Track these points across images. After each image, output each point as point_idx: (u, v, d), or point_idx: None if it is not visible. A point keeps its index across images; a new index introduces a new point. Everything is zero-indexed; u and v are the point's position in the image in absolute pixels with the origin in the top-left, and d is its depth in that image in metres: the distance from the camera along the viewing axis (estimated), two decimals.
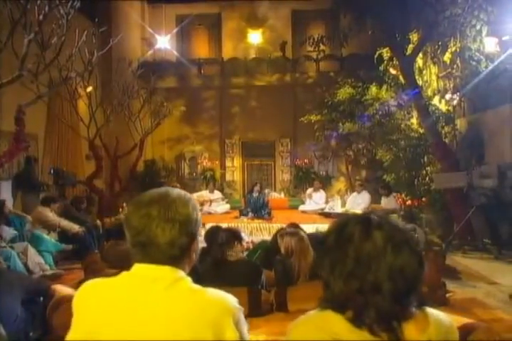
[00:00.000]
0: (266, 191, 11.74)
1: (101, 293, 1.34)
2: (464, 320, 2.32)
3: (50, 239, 7.10)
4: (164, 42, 14.05)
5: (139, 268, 1.34)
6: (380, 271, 1.17)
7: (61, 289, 3.15)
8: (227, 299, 1.33)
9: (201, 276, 3.59)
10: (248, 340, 1.35)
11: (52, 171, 9.56)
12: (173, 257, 1.34)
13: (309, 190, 12.27)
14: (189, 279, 1.36)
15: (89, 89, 9.38)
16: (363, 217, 1.28)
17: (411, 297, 1.20)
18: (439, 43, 8.69)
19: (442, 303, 3.54)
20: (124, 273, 1.36)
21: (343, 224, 1.28)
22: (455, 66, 8.82)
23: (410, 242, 1.23)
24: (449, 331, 1.26)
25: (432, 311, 1.26)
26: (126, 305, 1.28)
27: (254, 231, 9.29)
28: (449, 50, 8.48)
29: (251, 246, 6.85)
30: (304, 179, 14.22)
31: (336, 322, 1.19)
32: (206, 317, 1.25)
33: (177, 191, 1.41)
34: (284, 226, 5.81)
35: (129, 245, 1.37)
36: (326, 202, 11.89)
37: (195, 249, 1.42)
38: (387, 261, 1.17)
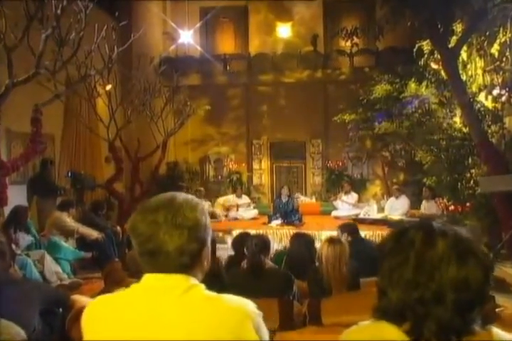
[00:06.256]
0: (295, 195, 11.69)
1: (111, 308, 1.35)
2: None
3: (68, 246, 7.17)
4: (187, 37, 14.12)
5: (149, 279, 1.36)
6: (443, 280, 1.15)
7: (81, 300, 3.16)
8: (246, 304, 1.34)
9: (228, 286, 3.58)
10: None
11: (69, 174, 9.64)
12: (184, 265, 1.35)
13: (340, 194, 12.22)
14: (203, 286, 1.37)
15: (109, 87, 9.49)
16: (425, 223, 1.28)
17: (475, 312, 1.18)
18: (487, 34, 8.50)
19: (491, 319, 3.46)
20: (134, 285, 1.37)
21: (404, 230, 1.28)
22: (504, 59, 8.64)
23: (477, 253, 1.21)
24: None
25: (497, 331, 1.22)
26: (140, 318, 1.29)
27: (284, 239, 9.24)
28: (498, 41, 8.31)
29: None
30: (336, 182, 14.06)
31: (391, 334, 1.17)
32: (225, 324, 1.26)
33: (184, 195, 1.42)
34: (316, 233, 5.73)
35: (136, 254, 1.39)
36: (357, 205, 11.82)
37: (207, 256, 1.44)
38: (450, 270, 1.16)
